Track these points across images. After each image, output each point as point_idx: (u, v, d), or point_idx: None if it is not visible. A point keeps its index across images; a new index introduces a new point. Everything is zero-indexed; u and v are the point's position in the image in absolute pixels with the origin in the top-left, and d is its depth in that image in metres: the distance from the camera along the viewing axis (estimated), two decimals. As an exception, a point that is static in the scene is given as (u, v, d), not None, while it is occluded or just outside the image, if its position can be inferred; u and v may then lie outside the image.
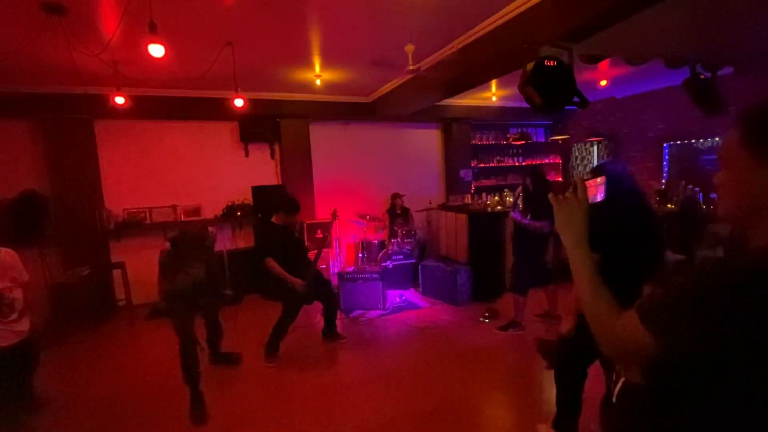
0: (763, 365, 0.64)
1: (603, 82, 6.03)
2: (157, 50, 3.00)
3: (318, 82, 5.16)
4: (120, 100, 4.32)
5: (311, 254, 4.11)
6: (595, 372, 3.31)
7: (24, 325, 2.62)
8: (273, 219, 3.85)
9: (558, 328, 4.17)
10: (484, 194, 6.39)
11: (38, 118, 5.08)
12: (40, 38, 3.34)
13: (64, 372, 3.71)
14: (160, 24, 2.94)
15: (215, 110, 5.66)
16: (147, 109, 5.35)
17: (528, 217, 4.07)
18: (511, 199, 5.91)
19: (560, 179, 8.59)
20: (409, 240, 5.92)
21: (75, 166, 5.19)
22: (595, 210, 1.84)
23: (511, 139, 8.06)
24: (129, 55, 3.92)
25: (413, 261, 5.76)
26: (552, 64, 2.95)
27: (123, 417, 3.00)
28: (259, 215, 5.66)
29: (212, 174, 6.03)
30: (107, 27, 3.29)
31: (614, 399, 0.93)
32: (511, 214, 4.34)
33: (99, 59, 3.71)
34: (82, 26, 3.22)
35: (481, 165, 7.94)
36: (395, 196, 6.50)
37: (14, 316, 2.55)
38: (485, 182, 7.91)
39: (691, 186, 5.96)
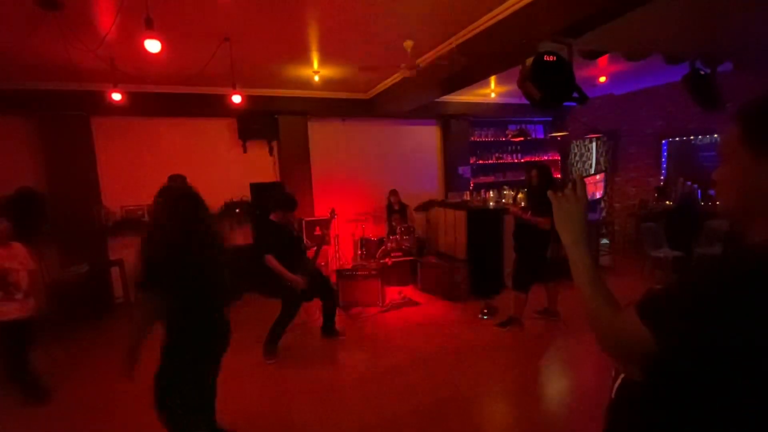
0: (761, 362, 0.63)
1: (602, 79, 6.02)
2: (153, 46, 2.98)
3: (316, 78, 5.14)
4: (117, 96, 4.29)
5: (310, 251, 4.11)
6: (595, 370, 3.33)
7: (28, 306, 3.07)
8: (271, 217, 3.84)
9: (557, 325, 4.21)
10: (482, 191, 6.38)
11: (34, 115, 5.05)
12: (36, 34, 3.32)
13: (63, 369, 3.71)
14: (157, 19, 2.92)
15: (213, 107, 5.63)
16: (144, 105, 5.32)
17: (528, 213, 4.08)
18: (509, 193, 5.92)
19: (559, 176, 8.60)
20: (408, 237, 5.92)
21: (72, 163, 5.16)
22: (155, 239, 1.88)
23: (510, 136, 8.05)
24: (125, 51, 3.90)
25: (412, 258, 5.76)
26: (551, 59, 2.94)
27: (122, 414, 3.00)
28: (258, 212, 5.65)
29: (210, 171, 6.00)
30: (103, 22, 3.27)
31: (613, 395, 0.93)
32: (513, 211, 4.36)
33: (95, 55, 3.68)
34: (77, 22, 3.19)
35: (480, 162, 7.93)
36: (392, 193, 6.50)
37: (19, 295, 3.00)
38: (484, 179, 7.90)
39: (689, 182, 5.97)
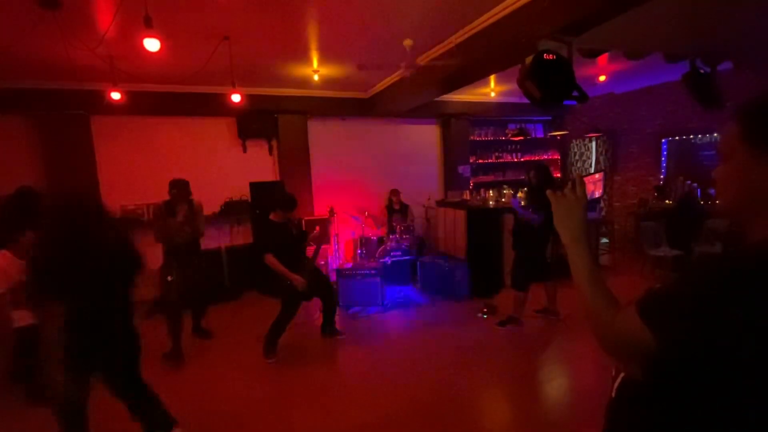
0: (761, 362, 0.63)
1: (602, 78, 6.01)
2: (152, 44, 2.98)
3: (316, 77, 5.13)
4: (116, 95, 4.29)
5: (309, 250, 4.10)
6: (595, 369, 3.33)
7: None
8: (271, 216, 3.84)
9: (557, 325, 4.22)
10: (482, 190, 6.39)
11: (34, 114, 5.05)
12: (35, 33, 3.31)
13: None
14: (156, 18, 2.91)
15: (212, 106, 5.62)
16: (143, 104, 5.32)
17: (529, 210, 4.09)
18: (508, 191, 5.93)
19: (559, 175, 8.60)
20: (408, 236, 5.92)
21: (71, 163, 5.16)
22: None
23: (509, 135, 8.05)
24: (125, 50, 3.89)
25: (412, 257, 5.76)
26: (551, 58, 2.93)
27: (120, 415, 3.00)
28: (258, 212, 5.65)
29: (210, 170, 6.00)
30: (102, 21, 3.26)
31: (613, 394, 0.92)
32: (512, 200, 4.39)
33: (94, 54, 3.68)
34: (76, 20, 3.19)
35: (480, 161, 7.92)
36: (393, 193, 6.50)
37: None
38: (483, 178, 7.90)
39: (689, 182, 5.97)
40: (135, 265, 2.24)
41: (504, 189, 6.22)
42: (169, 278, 3.74)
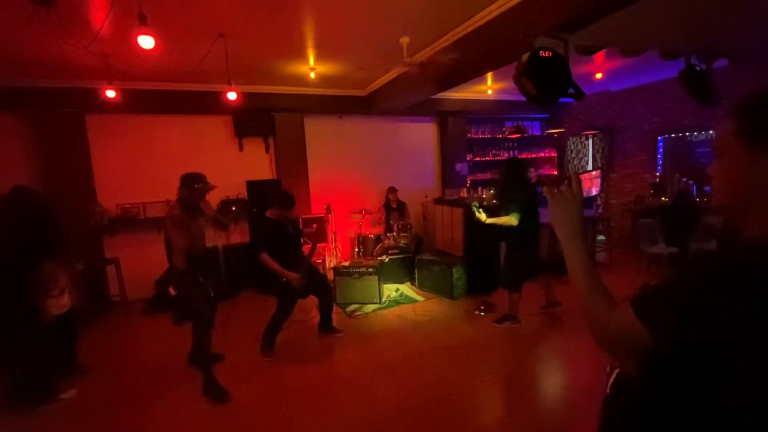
0: (755, 359, 0.63)
1: (598, 75, 6.02)
2: (146, 42, 2.95)
3: (312, 75, 5.11)
4: (111, 93, 4.27)
5: (306, 248, 4.10)
6: (592, 366, 3.35)
7: (65, 301, 3.14)
8: (267, 213, 3.83)
9: (553, 322, 4.23)
10: (479, 188, 6.39)
11: (28, 113, 5.01)
12: (28, 30, 3.28)
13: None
14: (150, 15, 2.90)
15: (208, 104, 5.60)
16: (139, 102, 5.28)
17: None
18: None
19: (556, 172, 8.62)
20: (405, 234, 5.92)
21: (66, 161, 5.13)
22: None
23: (506, 133, 8.06)
24: (119, 48, 3.86)
25: (409, 255, 5.76)
26: (547, 55, 2.93)
27: (119, 413, 3.00)
28: (254, 210, 5.63)
29: (206, 168, 5.84)
30: (96, 18, 3.24)
31: (608, 391, 0.93)
32: (474, 210, 4.20)
33: (89, 52, 3.65)
34: (70, 17, 3.16)
35: (477, 159, 7.93)
36: (390, 191, 6.49)
37: (56, 292, 3.06)
38: (481, 176, 7.91)
39: (685, 179, 6.00)
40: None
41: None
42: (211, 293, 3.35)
